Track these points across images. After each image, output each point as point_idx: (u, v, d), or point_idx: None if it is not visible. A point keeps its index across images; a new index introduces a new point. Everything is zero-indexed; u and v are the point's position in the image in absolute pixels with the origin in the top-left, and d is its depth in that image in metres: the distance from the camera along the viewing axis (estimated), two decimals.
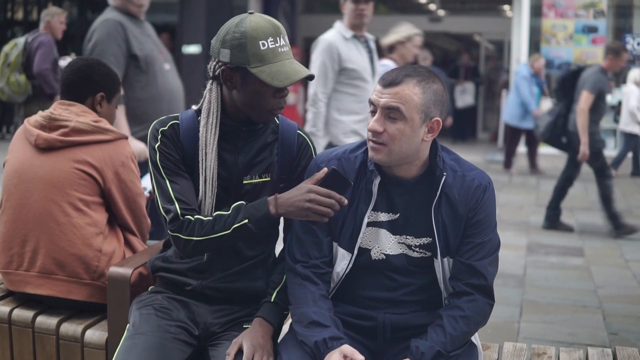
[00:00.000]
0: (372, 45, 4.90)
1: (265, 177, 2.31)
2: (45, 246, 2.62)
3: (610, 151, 11.28)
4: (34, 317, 2.62)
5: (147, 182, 3.09)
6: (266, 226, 2.19)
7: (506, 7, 16.68)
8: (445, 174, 2.17)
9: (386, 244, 2.22)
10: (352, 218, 2.22)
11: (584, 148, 6.86)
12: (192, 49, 14.36)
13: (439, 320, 2.16)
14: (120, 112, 4.02)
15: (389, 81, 2.12)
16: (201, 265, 2.33)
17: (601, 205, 7.18)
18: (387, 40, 5.60)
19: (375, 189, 2.20)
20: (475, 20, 16.76)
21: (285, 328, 2.33)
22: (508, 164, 11.26)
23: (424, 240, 2.21)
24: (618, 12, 12.99)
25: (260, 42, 2.14)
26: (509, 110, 10.97)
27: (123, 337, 2.25)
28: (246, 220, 2.14)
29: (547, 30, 12.61)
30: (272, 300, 2.28)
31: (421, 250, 2.22)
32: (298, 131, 2.39)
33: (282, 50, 2.17)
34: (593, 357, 2.53)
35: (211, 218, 2.18)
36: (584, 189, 9.50)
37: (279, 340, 2.28)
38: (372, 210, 2.21)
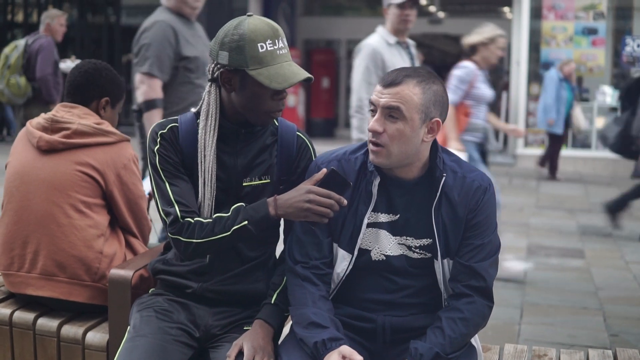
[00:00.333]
0: (414, 50, 4.80)
1: (265, 179, 2.31)
2: (46, 248, 2.62)
3: None
4: (35, 319, 2.62)
5: (147, 185, 3.10)
6: (266, 227, 2.19)
7: (506, 9, 16.67)
8: (445, 174, 2.18)
9: (386, 245, 2.22)
10: (352, 219, 2.22)
11: None
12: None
13: (438, 322, 2.16)
14: (158, 116, 4.07)
15: (389, 81, 2.12)
16: (202, 268, 2.33)
17: (622, 197, 7.14)
18: (469, 41, 5.45)
19: (375, 189, 2.20)
20: (475, 22, 16.70)
21: (286, 330, 2.34)
22: (552, 170, 10.93)
23: (424, 242, 2.22)
24: (618, 13, 12.99)
25: (259, 45, 2.14)
26: (539, 116, 10.85)
27: (124, 339, 2.25)
28: (246, 222, 2.15)
29: (547, 32, 12.61)
30: (272, 302, 2.29)
31: (421, 251, 2.22)
32: (297, 133, 2.39)
33: (281, 52, 2.18)
34: (594, 359, 2.53)
35: (211, 220, 2.18)
36: (584, 191, 9.50)
37: (279, 342, 2.28)
38: (372, 211, 2.21)
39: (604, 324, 4.60)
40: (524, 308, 4.88)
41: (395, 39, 4.64)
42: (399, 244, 2.22)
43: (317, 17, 17.52)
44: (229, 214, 2.18)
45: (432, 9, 17.72)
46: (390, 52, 4.59)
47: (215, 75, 2.22)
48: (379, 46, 4.57)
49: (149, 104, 4.16)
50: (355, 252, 2.22)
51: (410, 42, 4.78)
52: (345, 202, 2.12)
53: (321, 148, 2.39)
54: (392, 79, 2.12)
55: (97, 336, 2.56)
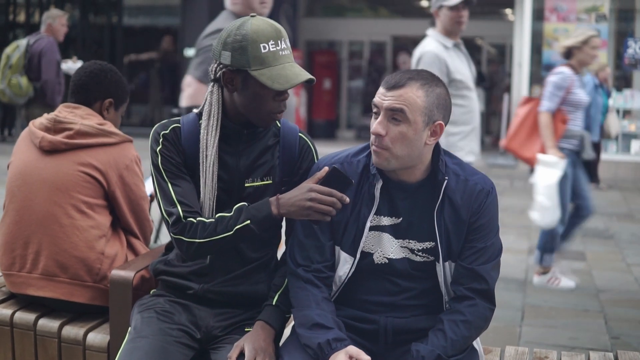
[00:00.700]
0: (465, 50, 4.65)
1: (267, 180, 2.31)
2: (47, 248, 2.62)
3: None
4: (36, 319, 2.62)
5: (149, 186, 3.10)
6: (268, 227, 2.19)
7: (508, 10, 16.68)
8: (447, 177, 2.18)
9: (389, 248, 2.22)
10: (354, 222, 2.22)
11: None
12: (194, 52, 14.36)
13: (440, 324, 2.15)
14: None
15: (392, 84, 2.12)
16: (203, 269, 2.33)
17: None
18: (562, 45, 5.35)
19: (377, 193, 2.20)
20: (477, 23, 16.69)
21: (287, 331, 2.33)
22: (594, 179, 10.49)
23: (427, 245, 2.21)
24: (620, 16, 12.98)
25: (261, 45, 2.14)
26: None
27: (125, 340, 2.25)
28: (248, 221, 2.15)
29: (549, 34, 12.60)
30: (273, 303, 2.28)
31: (424, 254, 2.22)
32: (299, 134, 2.39)
33: (283, 53, 2.18)
34: None
35: (213, 220, 2.18)
36: None
37: (280, 344, 2.28)
38: (375, 214, 2.21)
39: (605, 327, 4.60)
40: (525, 310, 4.87)
41: (452, 42, 4.48)
42: (402, 247, 2.22)
43: (319, 18, 17.52)
44: (232, 213, 2.18)
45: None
46: (450, 56, 4.44)
47: (217, 75, 2.23)
48: (439, 52, 4.40)
49: (192, 110, 3.99)
50: (358, 255, 2.22)
51: (461, 42, 4.61)
52: (348, 199, 2.13)
53: (323, 149, 2.39)
54: (395, 82, 2.12)
55: (98, 337, 2.56)
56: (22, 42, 7.43)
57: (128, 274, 2.50)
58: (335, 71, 16.82)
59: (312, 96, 16.00)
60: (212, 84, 2.26)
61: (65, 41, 8.25)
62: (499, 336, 4.22)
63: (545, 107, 5.21)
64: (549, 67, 12.26)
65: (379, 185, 2.20)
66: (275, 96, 2.20)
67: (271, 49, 2.16)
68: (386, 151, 2.12)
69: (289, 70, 2.17)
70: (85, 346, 2.55)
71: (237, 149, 2.29)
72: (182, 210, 2.20)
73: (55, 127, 2.68)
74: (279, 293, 2.30)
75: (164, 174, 2.25)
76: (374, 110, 2.17)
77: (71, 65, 7.96)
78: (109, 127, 2.73)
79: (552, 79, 5.27)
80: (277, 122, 2.36)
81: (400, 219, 2.21)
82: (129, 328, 2.29)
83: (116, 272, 2.52)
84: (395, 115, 2.11)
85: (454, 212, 2.18)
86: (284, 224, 2.36)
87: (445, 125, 2.19)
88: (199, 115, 2.31)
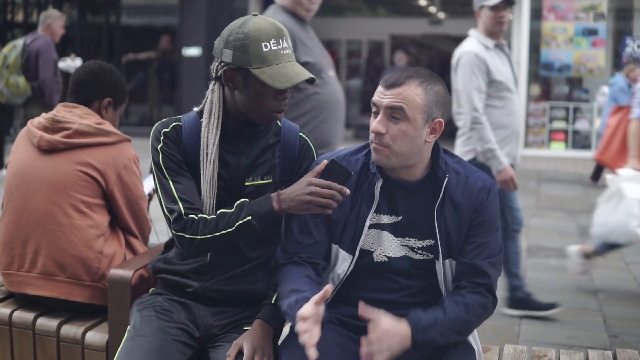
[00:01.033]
0: (508, 51, 4.56)
1: (267, 179, 2.32)
2: (46, 247, 2.62)
3: None
4: (35, 319, 2.62)
5: (148, 185, 3.10)
6: (270, 223, 2.19)
7: None
8: (447, 175, 2.18)
9: (388, 247, 2.23)
10: (353, 220, 2.22)
11: None
12: (193, 51, 14.36)
13: (441, 302, 2.16)
14: None
15: (391, 82, 2.13)
16: (202, 267, 2.33)
17: None
18: None
19: (377, 191, 2.20)
20: (475, 22, 16.76)
21: (286, 330, 2.33)
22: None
23: (427, 242, 2.22)
24: (618, 14, 12.99)
25: (263, 44, 2.15)
26: (604, 123, 10.62)
27: (123, 338, 2.25)
28: (250, 217, 2.15)
29: (547, 33, 12.60)
30: (272, 302, 2.28)
31: (424, 252, 2.22)
32: (300, 134, 2.39)
33: (285, 52, 2.18)
34: None
35: (214, 216, 2.19)
36: (584, 192, 9.50)
37: (279, 343, 2.28)
38: (375, 212, 2.21)
39: (603, 325, 4.60)
40: None
41: (494, 42, 4.41)
42: (402, 245, 2.23)
43: (317, 17, 17.35)
44: (233, 209, 2.18)
45: (432, 9, 17.73)
46: (491, 56, 4.38)
47: (219, 73, 2.23)
48: (479, 52, 4.33)
49: None
50: (357, 254, 2.22)
51: (504, 43, 4.55)
52: (348, 191, 2.13)
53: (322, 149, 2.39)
54: (394, 80, 2.13)
55: (96, 336, 2.56)
56: (19, 42, 7.43)
57: (127, 272, 2.50)
58: (334, 70, 16.78)
59: None
60: (213, 82, 2.27)
61: (64, 41, 8.25)
62: (497, 335, 4.22)
63: (636, 114, 5.00)
64: (547, 66, 12.31)
65: (379, 184, 2.20)
66: (276, 95, 2.20)
67: (272, 48, 2.16)
68: (387, 148, 2.13)
69: (290, 69, 2.18)
70: (84, 345, 2.55)
71: (237, 147, 2.30)
72: (184, 207, 2.20)
73: (54, 127, 2.68)
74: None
75: (165, 171, 2.25)
76: (373, 109, 2.17)
77: (70, 63, 7.96)
78: (107, 126, 2.73)
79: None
80: (277, 121, 2.36)
81: (400, 217, 2.22)
82: (128, 327, 2.30)
83: (115, 271, 2.52)
84: (394, 113, 2.11)
85: (455, 209, 2.19)
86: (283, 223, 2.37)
87: (445, 123, 2.19)
88: (200, 113, 2.31)
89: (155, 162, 2.26)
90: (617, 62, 12.31)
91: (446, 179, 2.18)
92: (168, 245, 2.46)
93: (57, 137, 2.66)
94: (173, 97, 15.31)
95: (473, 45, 4.38)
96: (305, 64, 3.71)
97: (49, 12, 7.75)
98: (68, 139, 2.66)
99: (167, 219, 2.23)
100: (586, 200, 9.22)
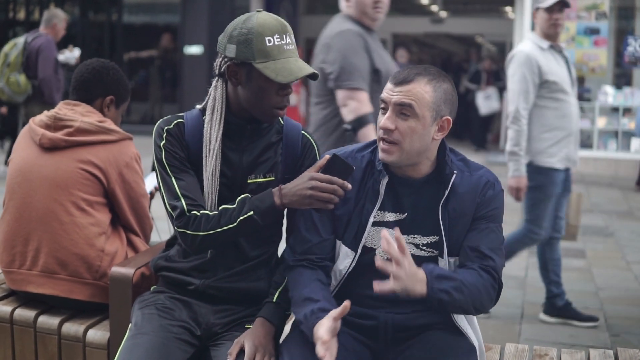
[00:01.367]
0: (567, 54, 4.56)
1: (270, 177, 2.32)
2: (47, 245, 2.62)
3: None
4: (36, 316, 2.62)
5: (149, 183, 3.10)
6: (272, 218, 2.19)
7: (508, 8, 16.68)
8: (455, 172, 2.19)
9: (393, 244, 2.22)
10: (357, 217, 2.22)
11: None
12: (194, 49, 14.37)
13: (454, 271, 2.15)
14: (373, 131, 3.63)
15: (400, 79, 2.14)
16: (204, 265, 2.33)
17: None
18: None
19: (382, 189, 2.20)
20: (477, 21, 16.78)
21: (287, 328, 2.33)
22: None
23: (431, 239, 2.22)
24: (620, 13, 12.96)
25: (267, 38, 2.15)
26: (638, 124, 10.54)
27: (125, 337, 2.25)
28: (251, 212, 2.15)
29: None
30: (274, 300, 2.29)
31: (428, 249, 2.23)
32: (302, 132, 2.40)
33: (288, 47, 2.19)
34: (595, 359, 2.53)
35: (217, 212, 2.19)
36: (585, 191, 9.49)
37: (280, 341, 2.28)
38: (379, 210, 2.21)
39: (605, 324, 4.60)
40: (524, 308, 4.87)
41: (548, 44, 4.40)
42: (406, 243, 2.22)
43: (319, 15, 17.50)
44: (235, 205, 2.18)
45: (434, 8, 17.73)
46: (545, 57, 4.36)
47: (222, 69, 2.23)
48: (532, 52, 4.34)
49: (362, 120, 3.68)
50: (359, 250, 2.22)
51: (563, 46, 4.54)
52: (350, 186, 2.13)
53: (322, 147, 2.39)
54: (403, 77, 2.14)
55: (98, 334, 2.56)
56: (20, 40, 7.42)
57: (128, 270, 2.51)
58: None
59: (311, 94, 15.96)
60: (216, 78, 2.27)
61: (65, 39, 8.23)
62: (499, 334, 4.22)
63: None
64: None
65: (384, 181, 2.20)
66: (279, 90, 2.21)
67: (276, 43, 2.16)
68: (395, 145, 2.13)
69: (293, 64, 2.18)
70: (85, 343, 2.55)
71: (240, 145, 2.30)
72: (186, 204, 2.20)
73: (55, 125, 2.68)
74: (279, 290, 2.30)
75: (168, 168, 2.25)
76: (382, 106, 2.18)
77: (68, 55, 7.94)
78: (109, 124, 2.73)
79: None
80: (280, 119, 2.36)
81: (405, 214, 2.22)
82: (130, 325, 2.30)
83: (116, 269, 2.52)
84: (403, 110, 2.12)
85: (459, 205, 2.19)
86: (284, 221, 2.37)
87: (452, 120, 2.19)
88: (202, 111, 2.32)
89: (158, 159, 2.27)
90: (619, 62, 12.30)
91: (454, 175, 2.18)
92: (170, 243, 2.46)
93: (58, 134, 2.66)
94: (175, 95, 15.32)
95: (527, 46, 4.40)
96: (377, 71, 3.75)
97: (56, 12, 7.70)
98: (70, 136, 2.66)
99: (170, 215, 2.23)
100: (587, 200, 9.21)
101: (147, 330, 2.21)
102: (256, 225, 2.17)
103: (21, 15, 16.82)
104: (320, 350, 1.97)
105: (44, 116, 2.72)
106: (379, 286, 1.99)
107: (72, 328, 2.58)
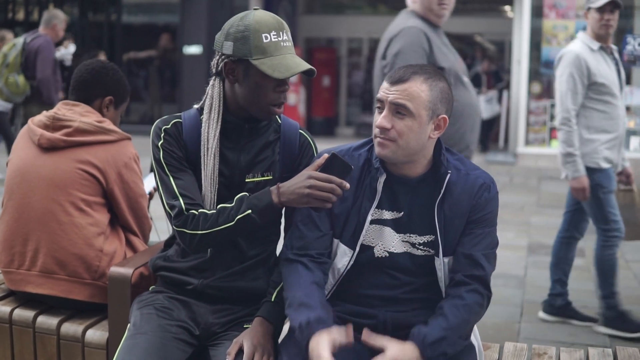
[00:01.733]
0: (617, 56, 4.46)
1: (267, 176, 2.32)
2: (46, 245, 2.62)
3: None
4: (35, 317, 2.62)
5: (148, 184, 3.10)
6: (270, 217, 2.19)
7: (507, 7, 16.66)
8: (449, 172, 2.19)
9: (390, 242, 2.23)
10: (355, 215, 2.23)
11: None
12: (193, 49, 14.37)
13: (440, 310, 2.15)
14: None
15: (396, 78, 2.14)
16: (202, 264, 2.33)
17: None
18: None
19: (380, 187, 2.21)
20: (476, 20, 16.74)
21: (286, 328, 2.33)
22: None
23: (427, 238, 2.22)
24: (619, 12, 12.98)
25: (263, 35, 2.16)
26: None
27: (124, 336, 2.25)
28: (249, 211, 2.15)
29: (548, 30, 12.59)
30: (272, 299, 2.29)
31: (425, 248, 2.23)
32: (300, 131, 2.40)
33: (285, 44, 2.19)
34: (594, 357, 2.53)
35: (215, 211, 2.19)
36: None
37: (279, 340, 2.29)
38: (376, 208, 2.22)
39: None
40: (524, 306, 4.87)
41: (599, 45, 4.31)
42: (403, 241, 2.23)
43: (318, 15, 17.51)
44: (233, 204, 2.18)
45: None
46: (595, 58, 4.28)
47: (219, 67, 2.24)
48: (582, 52, 4.25)
49: None
50: (357, 248, 2.22)
51: (614, 47, 4.44)
52: (348, 185, 2.13)
53: (322, 146, 2.40)
54: (399, 76, 2.14)
55: (96, 334, 2.56)
56: (19, 41, 7.42)
57: (127, 270, 2.51)
58: (335, 68, 16.80)
59: (311, 93, 15.99)
60: (213, 77, 2.27)
61: (65, 39, 8.23)
62: (498, 332, 4.22)
63: None
64: (548, 64, 12.27)
65: (382, 179, 2.21)
66: (276, 87, 2.21)
67: (273, 39, 2.17)
68: (392, 142, 2.14)
69: (289, 60, 2.19)
70: (84, 343, 2.55)
71: (238, 144, 2.30)
72: (185, 203, 2.20)
73: (54, 125, 2.68)
74: (277, 289, 2.30)
75: (166, 167, 2.25)
76: (378, 105, 2.18)
77: (64, 52, 7.92)
78: (108, 124, 2.73)
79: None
80: (277, 118, 2.36)
81: (402, 213, 2.22)
82: (128, 324, 2.30)
83: (115, 269, 2.52)
84: (399, 109, 2.13)
85: (455, 205, 2.19)
86: (282, 220, 2.37)
87: (449, 119, 2.20)
88: (200, 110, 2.32)
89: (156, 159, 2.27)
90: None
91: (448, 175, 2.19)
92: (168, 243, 2.46)
93: (57, 135, 2.66)
94: (174, 95, 15.31)
95: (577, 46, 4.33)
96: (440, 70, 3.69)
97: (55, 13, 7.68)
98: (68, 137, 2.66)
99: (168, 214, 2.23)
100: None
101: (146, 330, 2.21)
102: (254, 223, 2.17)
103: (20, 15, 16.82)
104: None
105: (43, 116, 2.72)
106: None
107: (71, 328, 2.58)
